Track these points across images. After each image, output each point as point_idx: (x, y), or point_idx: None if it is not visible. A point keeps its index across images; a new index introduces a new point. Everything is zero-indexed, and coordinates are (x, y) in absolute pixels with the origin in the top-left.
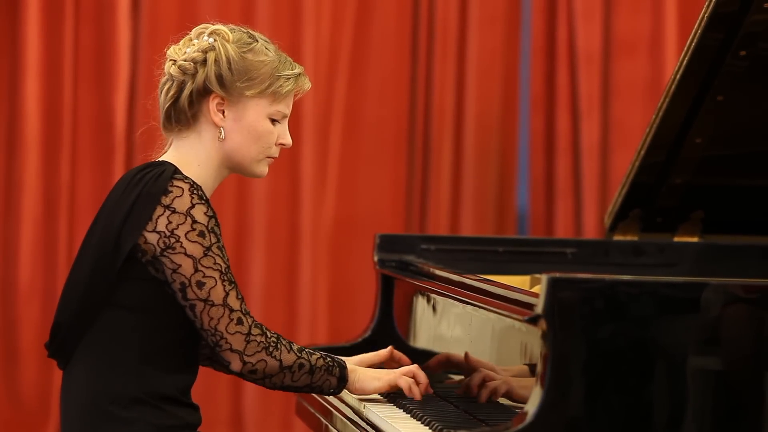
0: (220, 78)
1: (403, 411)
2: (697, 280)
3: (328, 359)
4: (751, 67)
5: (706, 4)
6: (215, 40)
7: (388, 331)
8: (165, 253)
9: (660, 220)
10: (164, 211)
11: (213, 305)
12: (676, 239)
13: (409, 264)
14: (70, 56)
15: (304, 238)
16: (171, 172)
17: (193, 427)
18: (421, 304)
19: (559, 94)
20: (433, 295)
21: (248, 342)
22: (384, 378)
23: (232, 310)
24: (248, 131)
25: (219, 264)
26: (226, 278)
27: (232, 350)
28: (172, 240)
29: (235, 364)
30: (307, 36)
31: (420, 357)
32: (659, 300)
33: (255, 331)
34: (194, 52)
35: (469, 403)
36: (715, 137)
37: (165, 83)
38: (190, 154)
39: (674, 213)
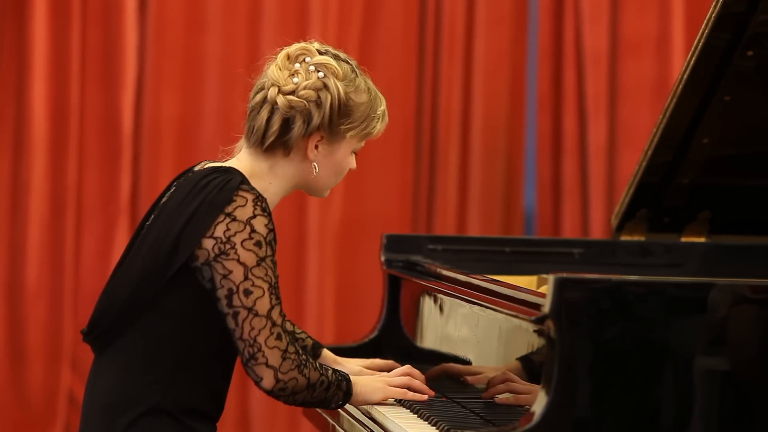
0: (330, 120)
1: (411, 411)
2: (705, 280)
3: (338, 373)
4: (759, 67)
5: (713, 4)
6: (325, 75)
7: (395, 332)
8: (218, 259)
9: (667, 220)
10: (225, 218)
11: (257, 315)
12: (683, 239)
13: (416, 264)
14: (77, 56)
15: (311, 238)
16: (237, 182)
17: None
18: (428, 304)
19: (566, 94)
20: (440, 296)
21: (284, 359)
22: (384, 390)
23: (274, 324)
24: (334, 166)
25: (270, 276)
26: (273, 291)
27: (267, 365)
28: (228, 246)
29: (268, 380)
30: (314, 36)
31: (427, 357)
32: (666, 300)
33: (291, 348)
34: (306, 88)
35: (476, 404)
36: (722, 137)
37: (263, 106)
38: (266, 172)
39: (681, 213)
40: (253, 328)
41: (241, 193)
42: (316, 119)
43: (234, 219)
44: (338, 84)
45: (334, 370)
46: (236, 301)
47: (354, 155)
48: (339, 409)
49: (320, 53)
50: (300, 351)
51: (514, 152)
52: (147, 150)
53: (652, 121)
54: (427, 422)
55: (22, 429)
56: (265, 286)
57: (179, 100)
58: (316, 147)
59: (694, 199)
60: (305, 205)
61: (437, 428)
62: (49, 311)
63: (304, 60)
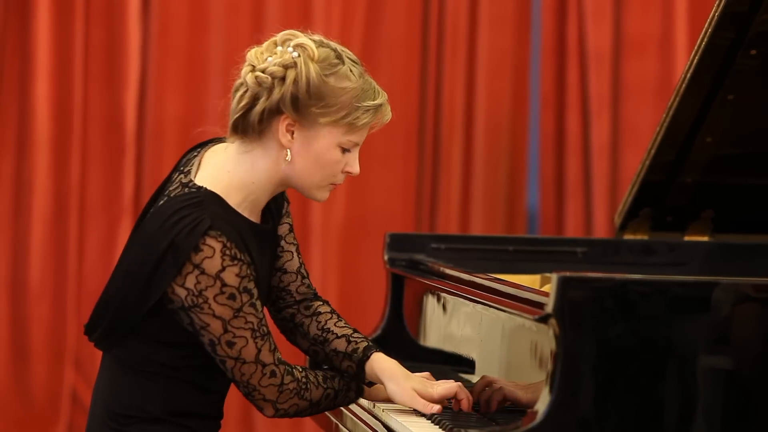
0: (295, 100)
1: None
2: (708, 279)
3: (346, 377)
4: (762, 66)
5: (716, 3)
6: (299, 56)
7: (398, 331)
8: (193, 311)
9: (670, 219)
10: (193, 270)
11: (245, 363)
12: (686, 238)
13: (419, 263)
14: (80, 55)
15: (315, 238)
16: (205, 227)
17: None
18: (431, 303)
19: (569, 93)
20: (443, 294)
21: (281, 392)
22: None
23: (264, 365)
24: (315, 158)
25: (250, 322)
26: (258, 334)
27: (265, 400)
28: (200, 300)
29: (268, 411)
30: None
31: (430, 356)
32: (670, 299)
33: (287, 379)
34: (275, 65)
35: (479, 403)
36: (725, 136)
37: (239, 88)
38: (248, 172)
39: (684, 212)
40: (243, 374)
41: (208, 241)
42: (276, 94)
43: (203, 272)
44: (310, 64)
45: (343, 374)
46: (220, 351)
47: (350, 154)
48: (342, 408)
49: (310, 40)
50: (299, 375)
51: (517, 151)
52: (150, 149)
53: (655, 120)
54: (430, 420)
55: (25, 428)
56: (248, 333)
57: (182, 100)
58: (291, 134)
59: (697, 198)
60: (308, 204)
61: (441, 427)
62: (52, 310)
63: (289, 43)
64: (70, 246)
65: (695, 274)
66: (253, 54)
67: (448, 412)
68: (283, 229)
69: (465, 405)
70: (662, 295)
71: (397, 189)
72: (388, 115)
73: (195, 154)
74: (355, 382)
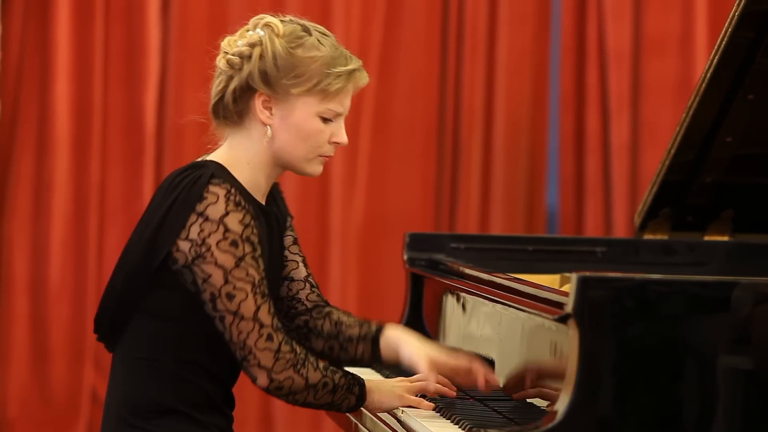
0: (264, 75)
1: (434, 410)
2: (728, 279)
3: (349, 377)
4: None
5: (737, 2)
6: (264, 34)
7: (418, 330)
8: (196, 262)
9: (690, 218)
10: (197, 219)
11: (243, 319)
12: (706, 238)
13: (438, 263)
14: (100, 56)
15: (334, 237)
16: (207, 177)
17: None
18: (450, 302)
19: (588, 92)
20: (462, 294)
21: (277, 359)
22: (401, 399)
23: (262, 326)
24: (296, 130)
25: (252, 275)
26: (258, 291)
27: (259, 366)
28: (203, 249)
29: (262, 380)
30: (337, 35)
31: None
32: (689, 299)
33: (284, 348)
34: (243, 45)
35: (499, 402)
36: (745, 136)
37: (217, 76)
38: (240, 153)
39: (704, 212)
40: (241, 332)
41: (211, 189)
42: (244, 72)
43: (207, 219)
44: (275, 39)
45: (347, 374)
46: (220, 305)
47: (334, 124)
48: (363, 408)
49: (278, 20)
50: (297, 349)
51: (536, 151)
52: (169, 149)
53: (675, 120)
54: (449, 420)
55: (46, 427)
56: (248, 287)
57: (201, 100)
58: (269, 110)
59: (717, 198)
60: (328, 203)
61: (460, 426)
62: (72, 309)
63: (256, 26)
64: (90, 246)
65: (715, 274)
66: (226, 42)
67: (462, 403)
68: (287, 241)
69: (481, 382)
70: (682, 295)
71: (417, 188)
72: (363, 79)
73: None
74: (358, 387)
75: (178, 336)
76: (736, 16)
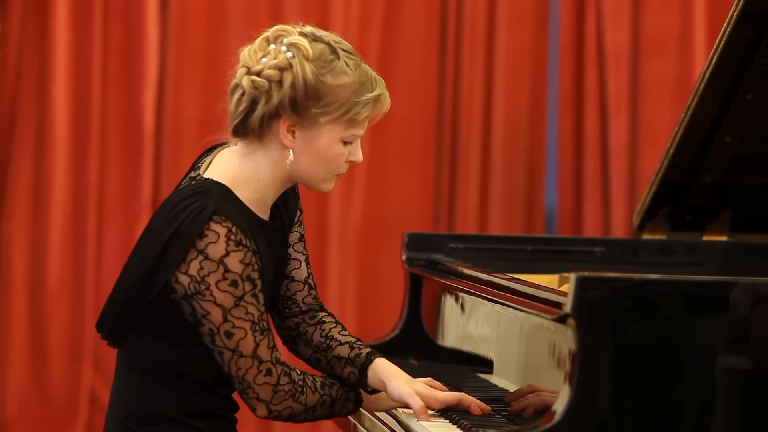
0: (294, 103)
1: (433, 410)
2: (727, 279)
3: (345, 386)
4: None
5: (735, 2)
6: (293, 56)
7: (416, 330)
8: (195, 298)
9: (689, 218)
10: (197, 256)
11: (242, 356)
12: (705, 238)
13: (437, 263)
14: (98, 55)
15: (333, 237)
16: (210, 212)
17: None
18: (449, 303)
19: (587, 93)
20: (461, 294)
21: (276, 392)
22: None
23: (261, 362)
24: (318, 155)
25: (251, 314)
26: (257, 328)
27: (259, 399)
28: (203, 287)
29: (261, 411)
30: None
31: (448, 356)
32: (688, 299)
33: (283, 380)
34: (270, 68)
35: (498, 403)
36: (744, 136)
37: (235, 90)
38: (254, 169)
39: (703, 212)
40: (239, 368)
41: (212, 226)
42: (275, 99)
43: (207, 257)
44: (306, 65)
45: (342, 386)
46: (219, 342)
47: (350, 145)
48: (362, 408)
49: (302, 35)
50: (295, 377)
51: (535, 151)
52: (168, 149)
53: (674, 120)
54: (448, 420)
55: (44, 427)
56: (247, 325)
57: (200, 99)
58: (293, 134)
59: (716, 198)
60: (326, 204)
61: (459, 427)
62: (70, 310)
63: (281, 41)
64: (89, 245)
65: (714, 274)
66: (246, 54)
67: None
68: (293, 237)
69: (475, 409)
70: (681, 295)
71: (416, 189)
72: (387, 103)
73: (208, 154)
74: (354, 393)
75: (176, 354)
76: (734, 16)
